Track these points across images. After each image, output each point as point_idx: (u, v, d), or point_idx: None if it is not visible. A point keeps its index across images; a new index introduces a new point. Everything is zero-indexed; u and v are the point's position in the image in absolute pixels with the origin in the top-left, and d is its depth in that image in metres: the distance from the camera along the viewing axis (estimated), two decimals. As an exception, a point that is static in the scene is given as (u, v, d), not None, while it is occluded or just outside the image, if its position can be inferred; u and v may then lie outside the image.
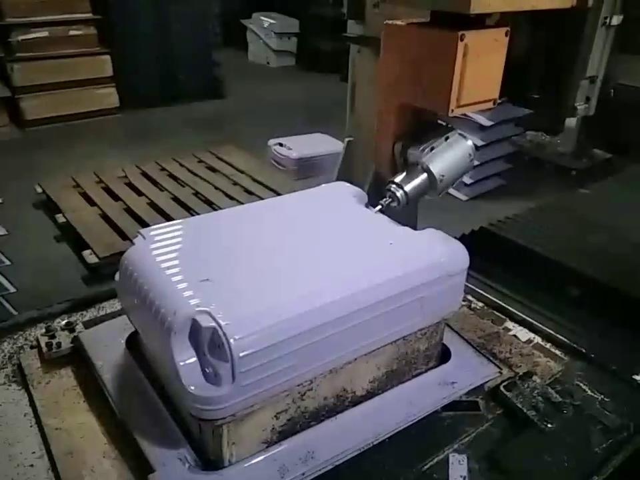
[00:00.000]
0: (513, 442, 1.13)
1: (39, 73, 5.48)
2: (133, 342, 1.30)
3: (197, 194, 4.09)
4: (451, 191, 1.51)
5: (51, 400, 1.20)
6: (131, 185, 4.18)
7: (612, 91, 1.37)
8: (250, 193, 4.12)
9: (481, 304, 1.60)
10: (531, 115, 1.42)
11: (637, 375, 1.32)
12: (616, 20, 1.25)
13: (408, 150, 1.30)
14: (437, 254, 1.16)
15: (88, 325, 1.40)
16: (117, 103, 6.01)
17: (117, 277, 1.17)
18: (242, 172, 4.44)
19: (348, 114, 2.41)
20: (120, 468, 1.06)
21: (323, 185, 1.47)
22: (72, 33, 5.62)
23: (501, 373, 1.31)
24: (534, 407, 1.19)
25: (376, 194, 1.34)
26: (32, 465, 1.06)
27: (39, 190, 4.06)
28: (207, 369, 0.94)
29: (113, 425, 1.14)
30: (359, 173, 2.11)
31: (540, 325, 1.48)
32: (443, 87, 1.14)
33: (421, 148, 1.27)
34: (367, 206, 1.34)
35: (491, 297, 1.60)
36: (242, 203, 3.09)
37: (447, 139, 1.29)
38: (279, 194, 3.64)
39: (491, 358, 1.35)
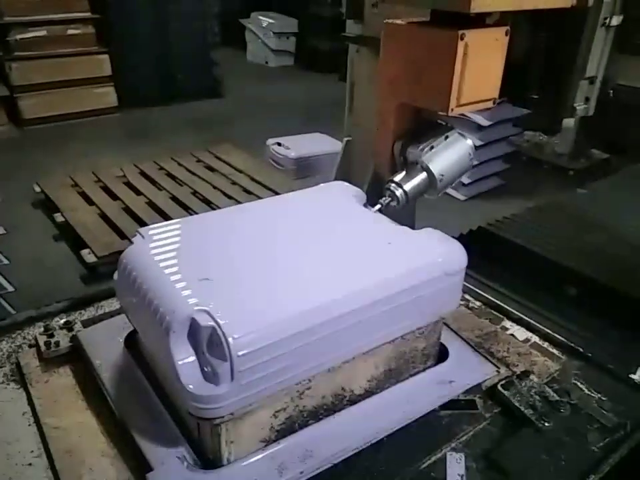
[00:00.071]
0: (511, 440, 1.13)
1: (37, 72, 5.47)
2: (132, 341, 1.30)
3: (195, 193, 4.09)
4: (449, 190, 1.51)
5: (50, 399, 1.20)
6: (129, 184, 4.17)
7: (611, 91, 1.38)
8: (248, 192, 4.12)
9: (478, 303, 1.60)
10: (529, 115, 1.43)
11: (634, 373, 1.32)
12: (615, 20, 1.25)
13: (407, 149, 1.30)
14: (435, 253, 1.16)
15: (86, 324, 1.40)
16: (115, 102, 6.00)
17: (115, 276, 1.17)
18: (240, 171, 4.44)
19: (346, 113, 2.40)
20: (118, 467, 1.06)
21: (322, 184, 1.47)
22: (70, 32, 5.62)
23: (498, 371, 1.31)
24: (531, 405, 1.19)
25: (374, 193, 1.34)
26: (30, 464, 1.06)
27: (38, 189, 4.05)
28: (205, 368, 0.94)
29: (111, 424, 1.14)
30: (357, 172, 2.11)
31: (537, 324, 1.49)
32: (443, 86, 1.14)
33: (421, 147, 1.27)
34: (365, 205, 1.34)
35: (488, 296, 1.61)
36: (240, 203, 3.08)
37: (446, 138, 1.29)
38: (277, 193, 3.62)
39: (489, 357, 1.35)
